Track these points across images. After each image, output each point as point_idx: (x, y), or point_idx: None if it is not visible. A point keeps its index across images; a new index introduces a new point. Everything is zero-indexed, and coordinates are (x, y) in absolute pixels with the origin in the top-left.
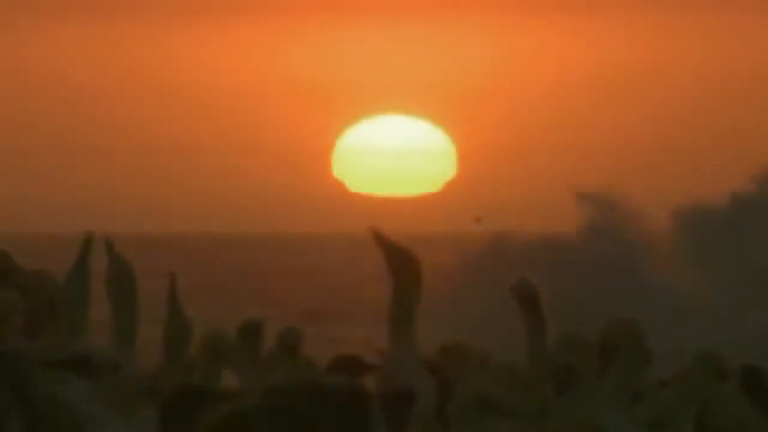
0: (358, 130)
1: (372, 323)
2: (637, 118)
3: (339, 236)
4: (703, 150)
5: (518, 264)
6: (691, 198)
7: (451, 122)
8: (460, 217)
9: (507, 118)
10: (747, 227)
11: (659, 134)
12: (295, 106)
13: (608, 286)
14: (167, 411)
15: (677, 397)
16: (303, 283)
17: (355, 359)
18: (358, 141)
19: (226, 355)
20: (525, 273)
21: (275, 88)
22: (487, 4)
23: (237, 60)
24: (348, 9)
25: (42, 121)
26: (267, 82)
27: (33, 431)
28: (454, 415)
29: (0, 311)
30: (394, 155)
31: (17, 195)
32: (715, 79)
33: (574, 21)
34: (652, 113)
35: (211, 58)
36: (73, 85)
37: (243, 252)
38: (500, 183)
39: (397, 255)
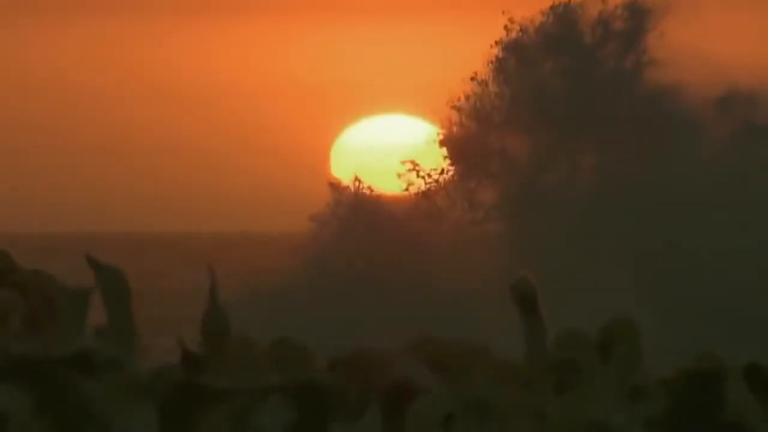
0: (358, 130)
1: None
2: None
3: None
4: None
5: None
6: None
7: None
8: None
9: None
10: None
11: None
12: (295, 106)
13: None
14: (167, 410)
15: (677, 396)
16: None
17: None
18: (357, 140)
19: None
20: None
21: (275, 88)
22: (487, 4)
23: (237, 60)
24: (348, 9)
25: (42, 121)
26: (267, 82)
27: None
28: (453, 415)
29: (0, 311)
30: (394, 155)
31: (17, 195)
32: None
33: None
34: None
35: (211, 58)
36: (73, 85)
37: (243, 252)
38: None
39: None
